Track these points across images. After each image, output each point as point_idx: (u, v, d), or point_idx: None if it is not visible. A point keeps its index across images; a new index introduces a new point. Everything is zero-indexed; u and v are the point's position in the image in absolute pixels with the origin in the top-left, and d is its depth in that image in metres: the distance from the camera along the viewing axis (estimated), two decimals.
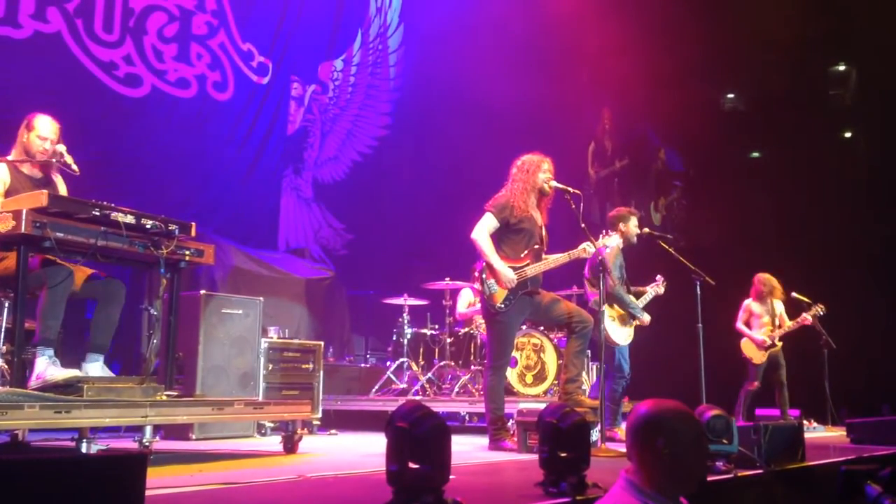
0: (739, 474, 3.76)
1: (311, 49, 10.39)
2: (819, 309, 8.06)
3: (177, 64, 8.68)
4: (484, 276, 5.20)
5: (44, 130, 4.44)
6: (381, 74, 11.39)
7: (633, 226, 6.31)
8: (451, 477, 2.58)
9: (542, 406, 5.17)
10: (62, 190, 4.59)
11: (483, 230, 5.24)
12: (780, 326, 8.10)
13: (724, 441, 3.74)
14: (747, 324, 8.24)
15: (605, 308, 6.01)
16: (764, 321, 8.17)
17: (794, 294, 8.21)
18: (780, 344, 8.09)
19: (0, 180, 4.29)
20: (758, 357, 8.08)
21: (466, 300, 8.13)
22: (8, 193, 4.26)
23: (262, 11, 9.70)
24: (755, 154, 12.94)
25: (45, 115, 4.51)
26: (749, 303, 8.28)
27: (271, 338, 6.49)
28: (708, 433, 3.70)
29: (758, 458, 3.99)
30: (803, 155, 11.38)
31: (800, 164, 11.33)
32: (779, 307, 8.22)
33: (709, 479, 3.55)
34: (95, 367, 4.36)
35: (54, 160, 4.29)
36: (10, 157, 4.40)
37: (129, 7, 8.24)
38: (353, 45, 11.01)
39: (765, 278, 8.28)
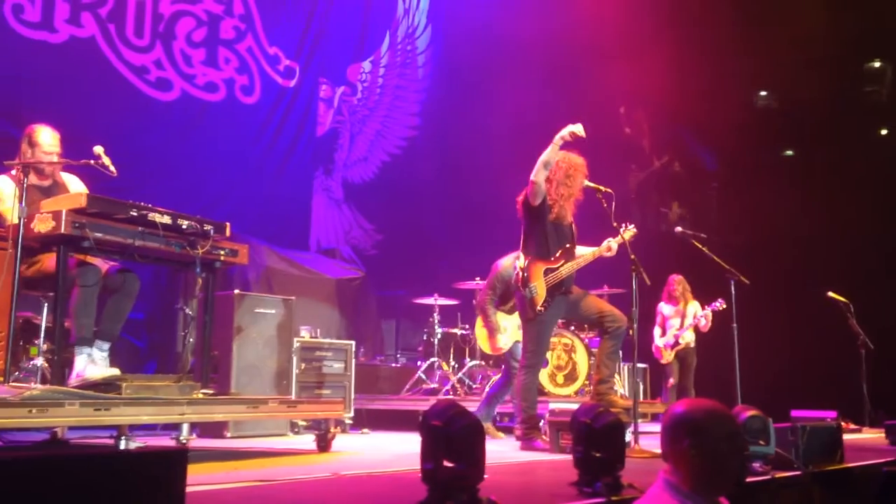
0: (777, 476, 3.72)
1: (340, 51, 10.46)
2: (719, 304, 7.88)
3: (205, 68, 8.79)
4: (525, 275, 5.17)
5: (48, 145, 4.46)
6: (409, 75, 11.42)
7: None
8: (484, 476, 2.58)
9: (573, 406, 5.16)
10: (75, 188, 4.63)
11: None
12: (689, 327, 8.15)
13: (762, 442, 3.70)
14: (661, 325, 8.35)
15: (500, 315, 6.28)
16: (673, 322, 8.26)
17: (830, 293, 8.10)
18: (684, 344, 8.16)
19: (8, 197, 4.30)
20: (665, 356, 8.22)
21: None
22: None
23: (289, 15, 9.78)
24: (789, 152, 12.78)
25: (44, 126, 4.51)
26: (661, 305, 8.39)
27: (303, 337, 6.54)
28: (745, 434, 3.66)
29: (795, 460, 3.93)
30: (838, 153, 11.21)
31: (835, 161, 11.16)
32: (692, 308, 8.23)
33: (746, 480, 3.52)
34: (100, 355, 4.34)
35: (91, 162, 4.34)
36: (13, 171, 4.35)
37: (159, 12, 8.36)
38: (381, 46, 11.06)
39: (676, 280, 8.31)
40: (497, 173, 9.51)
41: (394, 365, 9.02)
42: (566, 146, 5.28)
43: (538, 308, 5.14)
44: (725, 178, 12.84)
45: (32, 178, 4.40)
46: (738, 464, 2.36)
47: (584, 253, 5.43)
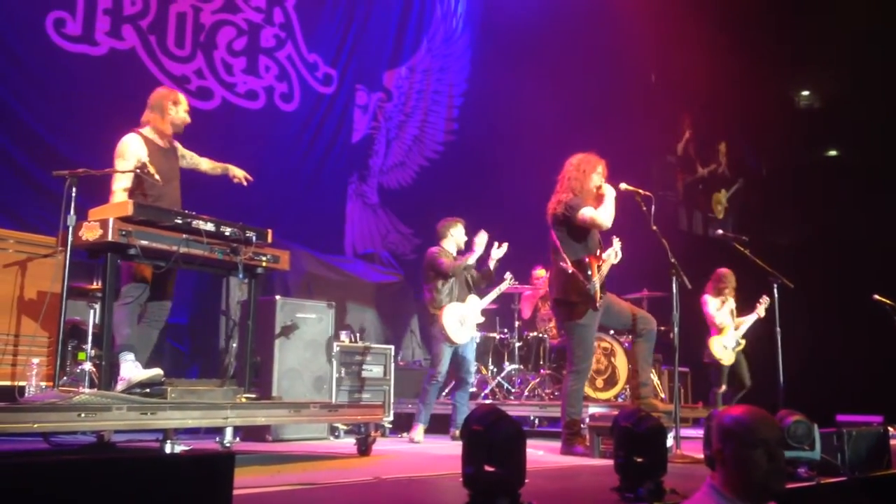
0: (822, 482, 3.66)
1: (376, 58, 10.51)
2: (764, 301, 7.56)
3: (245, 77, 8.90)
4: (589, 272, 5.13)
5: (186, 103, 4.83)
6: (446, 80, 11.44)
7: (459, 234, 6.64)
8: (525, 480, 2.59)
9: (613, 411, 5.14)
10: (184, 151, 5.00)
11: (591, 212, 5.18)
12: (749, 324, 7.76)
13: (806, 447, 3.65)
14: (713, 322, 7.87)
15: (452, 306, 6.30)
16: (725, 321, 7.88)
17: (876, 296, 7.93)
18: (743, 343, 7.79)
19: (135, 155, 4.47)
20: (727, 358, 7.79)
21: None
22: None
23: (328, 23, 9.85)
24: (832, 152, 12.57)
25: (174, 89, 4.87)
26: (708, 299, 7.95)
27: (343, 342, 6.59)
28: (788, 439, 3.61)
29: (841, 466, 3.87)
30: (885, 153, 11.00)
31: (882, 162, 10.94)
32: (731, 306, 7.89)
33: (790, 486, 3.46)
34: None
35: (138, 171, 4.44)
36: (145, 132, 4.64)
37: (200, 22, 8.49)
38: (419, 51, 11.09)
39: (726, 274, 7.96)
40: (535, 178, 9.49)
41: None
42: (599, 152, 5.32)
43: (598, 304, 5.11)
44: (769, 179, 12.66)
45: (157, 140, 4.69)
46: (770, 471, 2.30)
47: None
